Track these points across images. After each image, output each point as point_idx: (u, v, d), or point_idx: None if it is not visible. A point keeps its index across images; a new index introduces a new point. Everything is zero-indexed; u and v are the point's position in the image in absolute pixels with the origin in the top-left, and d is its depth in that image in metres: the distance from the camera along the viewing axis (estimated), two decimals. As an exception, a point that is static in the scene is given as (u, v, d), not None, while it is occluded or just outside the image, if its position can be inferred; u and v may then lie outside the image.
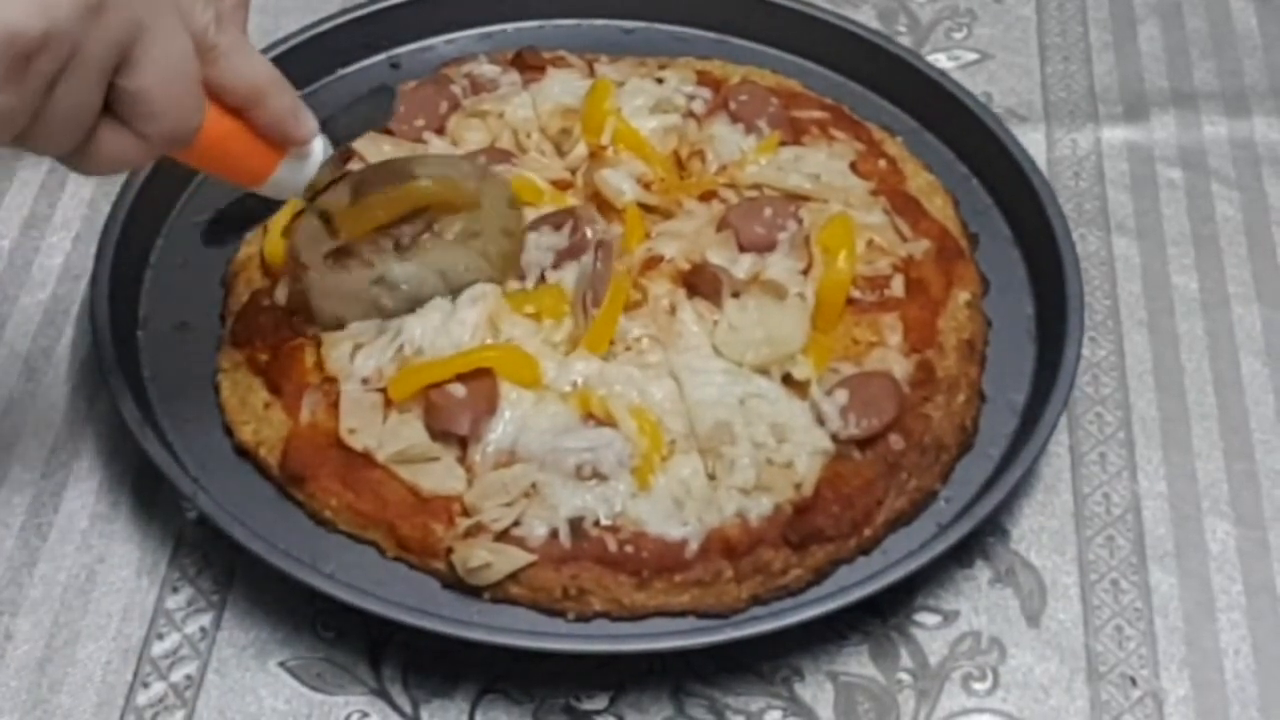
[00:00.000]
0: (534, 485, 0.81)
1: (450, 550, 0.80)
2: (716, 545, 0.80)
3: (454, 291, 0.88)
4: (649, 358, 0.87)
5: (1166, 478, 0.89)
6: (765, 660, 0.81)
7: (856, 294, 0.90)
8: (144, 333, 0.92)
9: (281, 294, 0.90)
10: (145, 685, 0.80)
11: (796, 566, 0.81)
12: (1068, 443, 0.90)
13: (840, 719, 0.79)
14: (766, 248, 0.91)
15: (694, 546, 0.80)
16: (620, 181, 0.94)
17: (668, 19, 1.10)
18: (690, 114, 1.00)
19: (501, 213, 0.88)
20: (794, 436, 0.84)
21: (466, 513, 0.81)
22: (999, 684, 0.81)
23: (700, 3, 1.09)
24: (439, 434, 0.83)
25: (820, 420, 0.84)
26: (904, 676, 0.81)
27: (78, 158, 0.66)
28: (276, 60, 0.74)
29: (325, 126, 0.78)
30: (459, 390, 0.83)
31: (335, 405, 0.85)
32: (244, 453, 0.86)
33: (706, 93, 1.01)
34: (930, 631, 0.83)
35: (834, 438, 0.84)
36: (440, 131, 0.98)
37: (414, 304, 0.87)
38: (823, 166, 0.97)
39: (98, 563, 0.84)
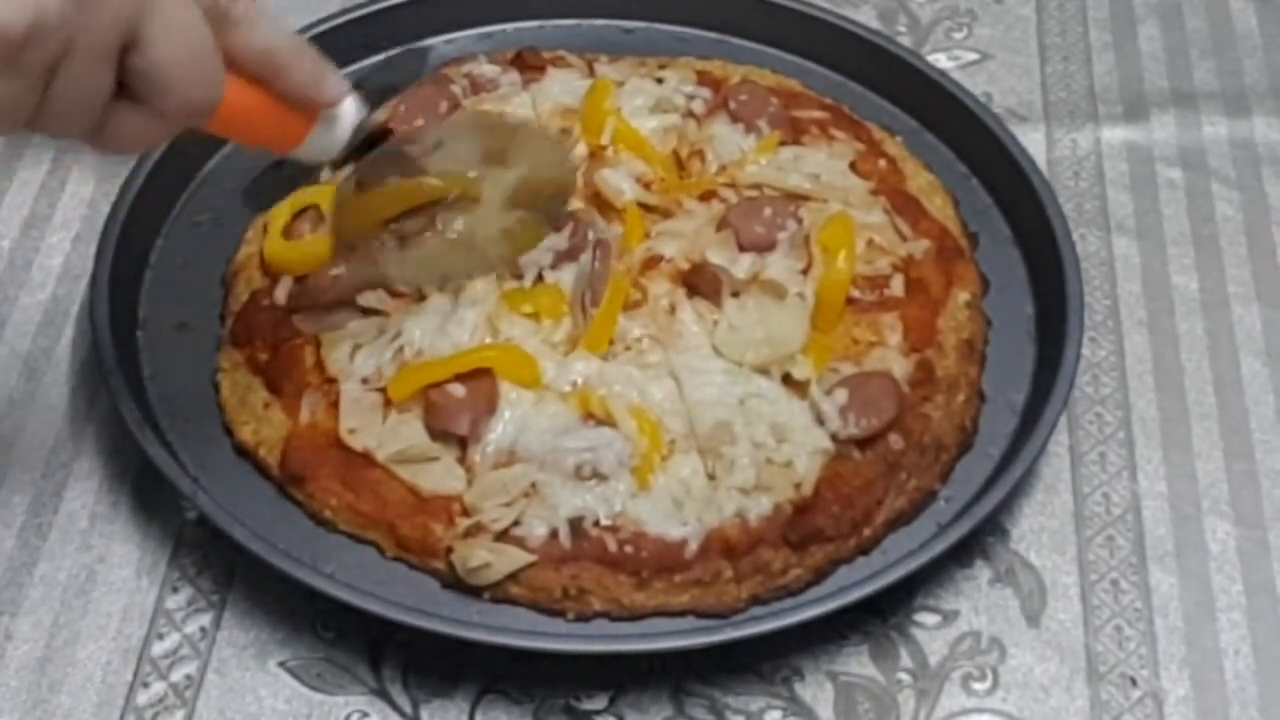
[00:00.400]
0: (534, 485, 0.81)
1: (450, 550, 0.80)
2: (716, 545, 0.80)
3: (453, 288, 0.88)
4: (649, 358, 0.87)
5: (1166, 478, 0.89)
6: (765, 660, 0.81)
7: (856, 294, 0.90)
8: (144, 333, 0.92)
9: (281, 294, 0.90)
10: (145, 685, 0.80)
11: (796, 566, 0.81)
12: (1068, 443, 0.90)
13: (840, 719, 0.79)
14: (766, 247, 0.91)
15: (694, 546, 0.80)
16: (620, 181, 0.94)
17: (668, 19, 1.10)
18: (690, 114, 1.00)
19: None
20: (794, 436, 0.84)
21: (466, 513, 0.81)
22: (999, 684, 0.81)
23: (700, 3, 1.09)
24: (439, 434, 0.83)
25: (820, 420, 0.84)
26: (904, 676, 0.81)
27: (97, 138, 0.65)
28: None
29: (358, 88, 0.77)
30: (459, 390, 0.83)
31: (335, 405, 0.85)
32: (244, 453, 0.86)
33: (706, 93, 1.01)
34: (930, 631, 0.83)
35: (834, 437, 0.84)
36: (440, 131, 0.99)
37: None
38: (823, 166, 0.97)
39: (98, 563, 0.84)
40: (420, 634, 0.78)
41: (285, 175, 0.80)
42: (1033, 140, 1.06)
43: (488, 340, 0.86)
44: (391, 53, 1.07)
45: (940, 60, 1.12)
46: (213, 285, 0.94)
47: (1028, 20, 1.17)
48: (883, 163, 0.99)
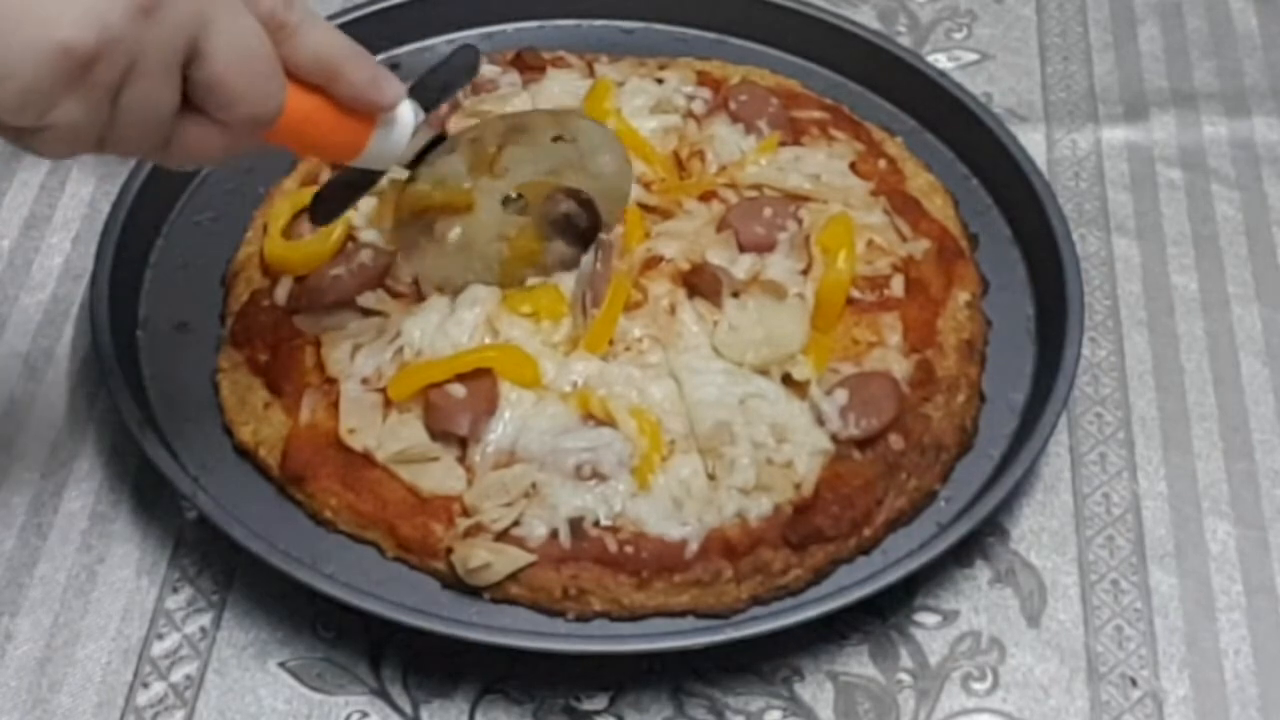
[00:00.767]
0: (534, 485, 0.81)
1: (450, 550, 0.80)
2: (716, 545, 0.80)
3: (453, 293, 0.88)
4: (649, 358, 0.87)
5: (1166, 478, 0.89)
6: (765, 660, 0.81)
7: (856, 294, 0.90)
8: (144, 333, 0.92)
9: (281, 294, 0.90)
10: (145, 685, 0.80)
11: (796, 566, 0.81)
12: (1068, 443, 0.90)
13: (840, 719, 0.79)
14: (766, 248, 0.91)
15: (694, 547, 0.80)
16: (620, 181, 0.94)
17: (668, 19, 1.10)
18: (690, 114, 1.00)
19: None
20: (794, 436, 0.84)
21: (466, 513, 0.81)
22: (999, 684, 0.80)
23: (700, 3, 1.09)
24: (439, 434, 0.83)
25: (820, 420, 0.84)
26: (904, 676, 0.81)
27: (165, 154, 0.66)
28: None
29: (411, 92, 0.77)
30: (459, 390, 0.83)
31: (335, 405, 0.85)
32: (244, 453, 0.86)
33: (706, 93, 1.01)
34: (930, 631, 0.83)
35: (834, 438, 0.84)
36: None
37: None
38: (823, 166, 0.97)
39: (98, 563, 0.84)
40: (420, 634, 0.78)
41: (349, 184, 0.80)
42: (1033, 140, 1.06)
43: (487, 341, 0.86)
44: (393, 53, 1.07)
45: (940, 60, 1.12)
46: (213, 285, 0.94)
47: (1028, 20, 1.17)
48: (883, 163, 0.99)
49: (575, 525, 0.80)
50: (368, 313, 0.88)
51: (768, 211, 0.92)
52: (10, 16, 0.58)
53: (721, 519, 0.81)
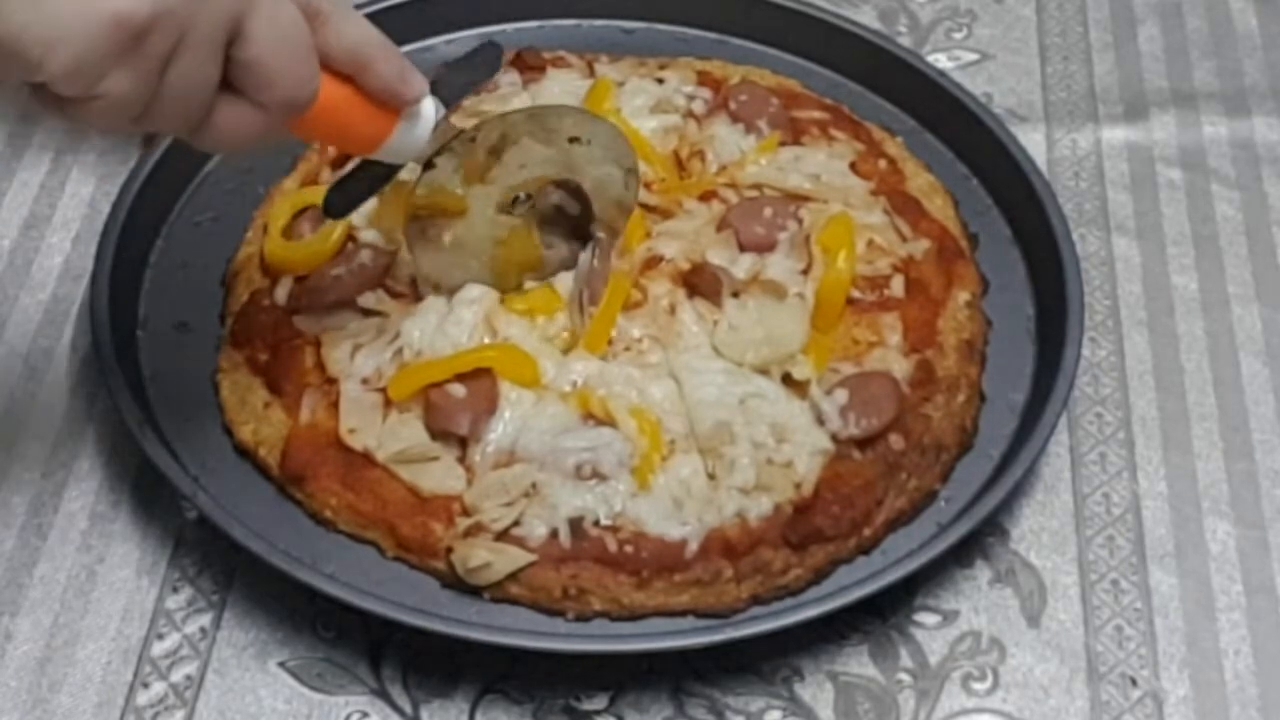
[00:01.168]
0: (534, 485, 0.81)
1: (450, 550, 0.80)
2: (716, 545, 0.80)
3: (449, 293, 0.88)
4: (649, 358, 0.87)
5: (1166, 478, 0.89)
6: (765, 660, 0.81)
7: (856, 294, 0.90)
8: (144, 333, 0.92)
9: (281, 294, 0.90)
10: (145, 685, 0.80)
11: (796, 566, 0.81)
12: (1068, 443, 0.90)
13: (840, 719, 0.79)
14: (766, 248, 0.91)
15: (694, 546, 0.80)
16: (620, 181, 0.94)
17: (668, 19, 1.10)
18: (690, 114, 1.00)
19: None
20: (794, 436, 0.84)
21: (466, 512, 0.81)
22: (999, 684, 0.80)
23: (700, 3, 1.09)
24: (439, 434, 0.83)
25: (820, 420, 0.84)
26: (904, 676, 0.81)
27: (200, 134, 0.66)
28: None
29: (433, 88, 0.77)
30: (459, 390, 0.83)
31: (335, 405, 0.85)
32: (244, 452, 0.86)
33: (706, 93, 1.01)
34: (930, 631, 0.83)
35: (834, 438, 0.84)
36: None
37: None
38: (823, 166, 0.97)
39: (98, 563, 0.84)
40: (420, 634, 0.78)
41: (366, 178, 0.80)
42: (1033, 140, 1.06)
43: (486, 340, 0.86)
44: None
45: (940, 60, 1.12)
46: (213, 285, 0.94)
47: (1028, 20, 1.17)
48: (883, 163, 0.99)
49: (575, 525, 0.80)
50: (368, 313, 0.88)
51: (768, 211, 0.92)
52: None
53: (721, 519, 0.81)
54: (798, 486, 0.82)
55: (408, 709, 0.79)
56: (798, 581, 0.81)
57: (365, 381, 0.85)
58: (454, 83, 0.82)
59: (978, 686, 0.80)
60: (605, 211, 0.89)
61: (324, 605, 0.81)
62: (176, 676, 0.80)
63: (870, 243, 0.92)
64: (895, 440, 0.85)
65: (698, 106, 1.00)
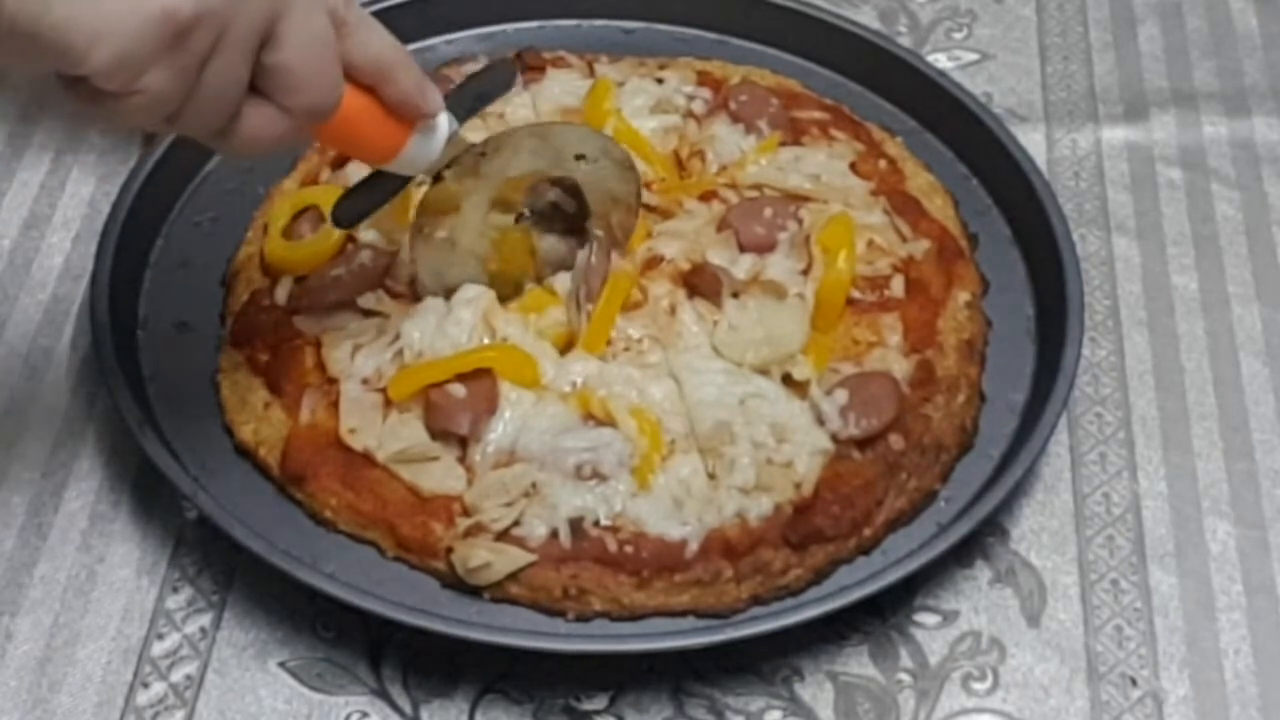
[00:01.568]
0: (534, 485, 0.81)
1: (450, 550, 0.80)
2: (716, 545, 0.80)
3: (448, 291, 0.88)
4: (649, 358, 0.87)
5: (1166, 478, 0.89)
6: (765, 660, 0.81)
7: (856, 294, 0.90)
8: (144, 333, 0.92)
9: (282, 294, 0.90)
10: (145, 685, 0.80)
11: (796, 566, 0.81)
12: (1068, 443, 0.90)
13: (840, 719, 0.79)
14: (766, 248, 0.91)
15: (694, 546, 0.80)
16: (620, 181, 0.94)
17: (668, 19, 1.10)
18: (690, 114, 1.00)
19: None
20: (794, 436, 0.84)
21: (466, 512, 0.81)
22: (999, 684, 0.81)
23: (700, 3, 1.09)
24: (439, 434, 0.83)
25: (820, 420, 0.84)
26: (904, 676, 0.81)
27: (225, 136, 0.67)
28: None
29: (448, 101, 0.78)
30: (459, 390, 0.83)
31: (335, 405, 0.85)
32: (244, 452, 0.86)
33: (706, 93, 1.01)
34: (930, 631, 0.83)
35: (834, 438, 0.84)
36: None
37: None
38: (823, 167, 0.97)
39: (98, 563, 0.84)
40: (420, 634, 0.78)
41: (377, 188, 0.80)
42: (1033, 140, 1.06)
43: (485, 340, 0.86)
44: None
45: (940, 60, 1.12)
46: (213, 285, 0.94)
47: (1028, 20, 1.17)
48: (883, 163, 0.99)
49: (575, 525, 0.80)
50: (368, 313, 0.88)
51: (768, 211, 0.92)
52: None
53: (721, 519, 0.81)
54: (798, 486, 0.82)
55: (408, 709, 0.79)
56: (798, 581, 0.81)
57: (365, 381, 0.85)
58: (468, 97, 0.82)
59: (978, 686, 0.80)
60: (602, 208, 0.89)
61: (324, 605, 0.81)
62: (176, 676, 0.80)
63: (870, 243, 0.92)
64: (895, 440, 0.85)
65: (698, 106, 1.00)
